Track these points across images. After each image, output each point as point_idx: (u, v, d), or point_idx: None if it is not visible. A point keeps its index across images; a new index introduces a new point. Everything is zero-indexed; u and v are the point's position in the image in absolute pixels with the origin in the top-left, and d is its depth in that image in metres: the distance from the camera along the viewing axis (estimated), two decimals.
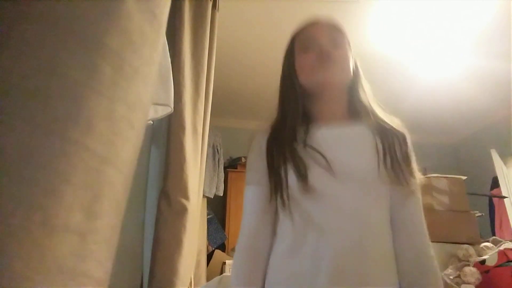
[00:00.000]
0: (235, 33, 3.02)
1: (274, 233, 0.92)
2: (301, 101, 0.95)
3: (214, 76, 1.97)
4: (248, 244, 0.92)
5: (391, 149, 0.88)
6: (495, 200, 3.53)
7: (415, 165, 0.91)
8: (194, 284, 1.70)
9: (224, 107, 4.21)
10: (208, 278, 3.04)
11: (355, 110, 0.95)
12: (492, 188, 3.68)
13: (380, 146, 0.88)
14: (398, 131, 0.93)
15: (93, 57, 0.60)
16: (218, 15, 2.02)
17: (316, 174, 0.85)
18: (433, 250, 0.87)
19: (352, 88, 0.96)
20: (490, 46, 3.09)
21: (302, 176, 0.85)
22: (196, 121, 1.72)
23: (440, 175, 1.95)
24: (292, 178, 0.87)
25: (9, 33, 0.54)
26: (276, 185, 0.90)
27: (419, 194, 0.91)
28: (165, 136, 1.61)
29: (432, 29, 2.94)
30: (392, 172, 0.85)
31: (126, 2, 0.67)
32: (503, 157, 3.51)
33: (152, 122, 1.63)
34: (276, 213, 0.93)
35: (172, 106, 1.46)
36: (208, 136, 1.93)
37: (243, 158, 4.23)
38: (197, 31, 1.79)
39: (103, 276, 0.61)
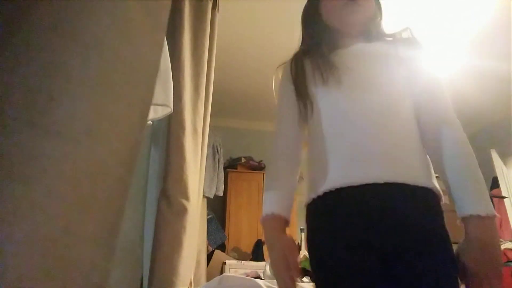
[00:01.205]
0: (235, 33, 3.02)
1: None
2: (324, 33, 1.01)
3: (214, 76, 1.97)
4: (284, 145, 0.97)
5: (404, 53, 0.95)
6: (495, 200, 3.53)
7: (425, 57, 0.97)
8: (194, 284, 1.70)
9: (224, 107, 4.21)
10: (208, 278, 3.04)
11: (373, 34, 1.02)
12: (492, 188, 3.68)
13: (394, 52, 0.95)
14: (409, 40, 1.00)
15: (93, 58, 0.60)
16: (218, 15, 2.02)
17: (340, 75, 0.91)
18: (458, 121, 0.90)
19: (374, 16, 1.03)
20: (490, 46, 3.09)
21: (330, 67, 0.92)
22: (196, 121, 1.72)
23: None
24: (318, 75, 0.94)
25: (10, 34, 0.54)
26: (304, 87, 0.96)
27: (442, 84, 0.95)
28: (165, 136, 1.61)
29: (432, 29, 2.94)
30: (409, 70, 0.92)
31: (126, 3, 0.67)
32: (503, 157, 3.51)
33: (152, 122, 1.63)
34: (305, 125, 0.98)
35: (172, 106, 1.46)
36: (208, 136, 1.93)
37: (243, 158, 4.23)
38: (197, 31, 1.79)
39: (103, 276, 0.61)
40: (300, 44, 1.08)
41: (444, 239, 0.79)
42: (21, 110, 0.51)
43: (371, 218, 0.78)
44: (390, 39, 1.01)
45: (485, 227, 0.75)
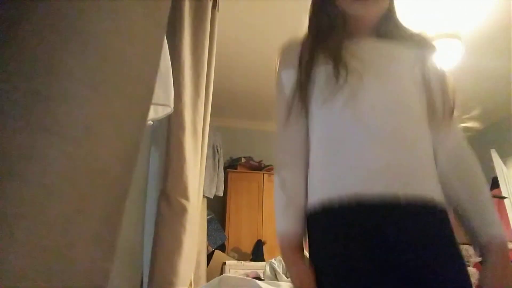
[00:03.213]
0: (235, 33, 3.02)
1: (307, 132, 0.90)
2: (337, 19, 0.93)
3: (214, 76, 1.97)
4: (293, 147, 0.89)
5: (425, 59, 0.90)
6: (495, 200, 3.53)
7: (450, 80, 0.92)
8: (194, 284, 1.70)
9: (224, 107, 4.21)
10: (208, 279, 3.04)
11: (389, 28, 0.97)
12: (492, 188, 3.67)
13: (415, 56, 0.90)
14: (430, 44, 0.96)
15: (93, 58, 0.60)
16: (218, 15, 2.02)
17: (354, 71, 0.84)
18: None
19: (387, 10, 0.97)
20: (490, 46, 3.09)
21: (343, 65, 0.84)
22: (196, 121, 1.72)
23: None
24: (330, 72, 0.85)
25: (9, 34, 0.54)
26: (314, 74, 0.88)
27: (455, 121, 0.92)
28: (165, 136, 1.61)
29: (431, 29, 2.94)
30: (429, 78, 0.88)
31: (126, 2, 0.67)
32: (503, 157, 3.51)
33: (152, 122, 1.63)
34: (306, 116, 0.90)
35: (172, 106, 1.46)
36: (208, 136, 1.93)
37: (243, 159, 4.23)
38: (197, 31, 1.79)
39: (104, 276, 0.61)
40: (307, 27, 0.98)
41: (460, 256, 0.80)
42: (20, 110, 0.51)
43: (393, 246, 0.74)
44: (406, 36, 0.95)
45: (507, 253, 0.78)
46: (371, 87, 0.84)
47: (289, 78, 0.91)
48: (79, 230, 0.56)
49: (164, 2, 0.80)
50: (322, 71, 0.87)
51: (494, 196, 3.46)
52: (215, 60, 1.99)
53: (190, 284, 1.64)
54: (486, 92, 3.68)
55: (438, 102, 0.88)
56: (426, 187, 0.79)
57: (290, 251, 0.82)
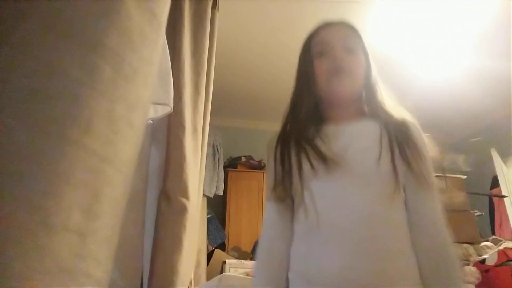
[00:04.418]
0: (235, 33, 3.02)
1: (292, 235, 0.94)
2: (315, 102, 0.96)
3: (214, 76, 1.97)
4: (268, 247, 0.94)
5: (398, 143, 0.89)
6: (495, 199, 3.53)
7: (426, 159, 0.92)
8: (194, 283, 1.70)
9: (224, 107, 4.21)
10: (208, 278, 3.04)
11: (366, 109, 0.97)
12: (492, 187, 3.67)
13: (385, 141, 0.88)
14: (406, 125, 0.94)
15: (92, 57, 0.60)
16: (218, 15, 2.02)
17: (318, 175, 0.88)
18: (454, 249, 0.88)
19: (364, 89, 0.98)
20: (490, 46, 3.09)
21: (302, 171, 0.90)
22: (196, 120, 1.72)
23: (440, 175, 1.94)
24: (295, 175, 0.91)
25: (9, 33, 0.54)
26: (286, 185, 0.93)
27: (435, 190, 0.91)
28: (165, 135, 1.61)
29: (432, 29, 2.94)
30: (401, 165, 0.87)
31: (126, 2, 0.67)
32: (503, 156, 3.51)
33: (152, 122, 1.63)
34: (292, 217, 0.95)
35: (172, 105, 1.46)
36: (208, 135, 1.93)
37: (243, 158, 4.23)
38: (197, 31, 1.79)
39: (103, 276, 0.61)
40: (291, 97, 1.01)
41: None
42: (20, 109, 0.51)
43: None
44: (386, 120, 0.93)
45: None
46: (336, 194, 0.86)
47: (273, 171, 0.96)
48: (78, 229, 0.56)
49: (164, 2, 0.80)
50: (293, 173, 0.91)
51: (494, 196, 3.47)
52: (215, 60, 1.99)
53: (190, 283, 1.64)
54: (486, 92, 3.68)
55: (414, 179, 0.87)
56: None
57: None
